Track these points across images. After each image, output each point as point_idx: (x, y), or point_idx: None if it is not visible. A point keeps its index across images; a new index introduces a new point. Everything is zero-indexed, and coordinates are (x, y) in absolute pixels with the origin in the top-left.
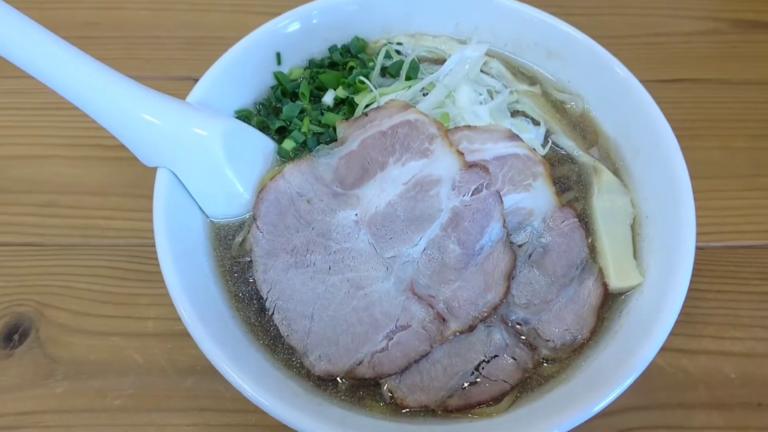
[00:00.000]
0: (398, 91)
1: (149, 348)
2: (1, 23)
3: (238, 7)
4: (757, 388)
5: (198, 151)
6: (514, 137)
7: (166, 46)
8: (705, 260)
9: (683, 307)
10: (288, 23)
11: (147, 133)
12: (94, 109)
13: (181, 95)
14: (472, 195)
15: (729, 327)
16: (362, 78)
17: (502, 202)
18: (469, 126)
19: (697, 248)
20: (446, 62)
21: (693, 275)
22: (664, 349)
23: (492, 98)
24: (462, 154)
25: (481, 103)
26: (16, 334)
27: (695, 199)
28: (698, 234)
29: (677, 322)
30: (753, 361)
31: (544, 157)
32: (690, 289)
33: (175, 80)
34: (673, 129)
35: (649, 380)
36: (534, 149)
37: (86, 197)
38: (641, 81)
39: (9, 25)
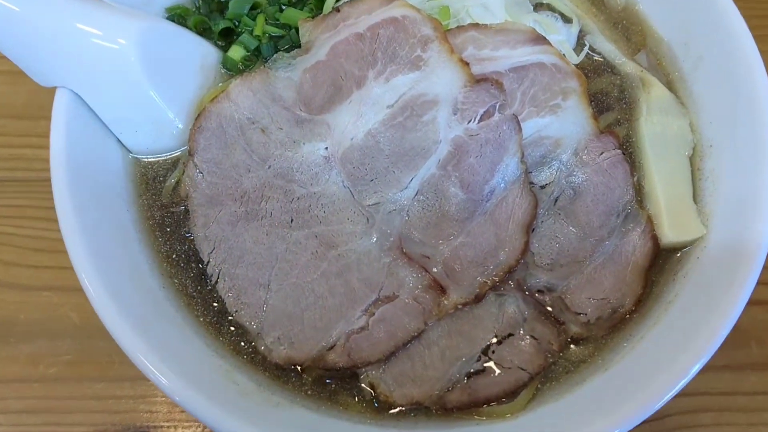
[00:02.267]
0: None
1: (88, 305)
2: None
3: None
4: None
5: (107, 64)
6: (539, 39)
7: None
8: None
9: None
10: None
11: (32, 39)
12: None
13: None
14: (479, 121)
15: None
16: None
17: (520, 129)
18: (476, 25)
19: None
20: None
21: None
22: None
23: None
24: (467, 64)
25: None
26: None
27: None
28: None
29: None
30: None
31: (578, 66)
32: None
33: None
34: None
35: None
36: (564, 56)
37: (11, 122)
38: None
39: None
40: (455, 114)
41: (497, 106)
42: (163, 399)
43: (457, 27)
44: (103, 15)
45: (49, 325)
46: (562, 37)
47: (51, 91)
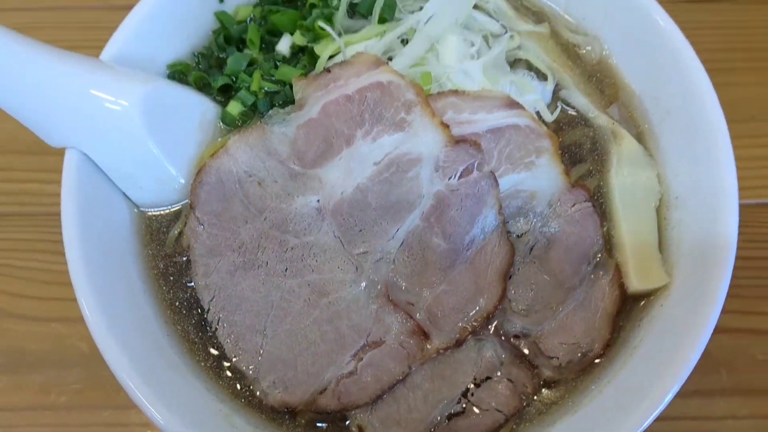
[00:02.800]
0: (369, 39)
1: None
2: None
3: None
4: None
5: (112, 125)
6: (513, 104)
7: None
8: None
9: None
10: None
11: (42, 103)
12: None
13: None
14: (459, 177)
15: (759, 300)
16: (323, 25)
17: (497, 184)
18: (456, 91)
19: None
20: (428, 3)
21: None
22: None
23: (488, 45)
24: (447, 126)
25: (472, 56)
26: None
27: None
28: None
29: None
30: None
31: (554, 122)
32: None
33: (118, 10)
34: (705, 61)
35: None
36: (538, 118)
37: (18, 157)
38: (668, 1)
39: None
40: (437, 171)
41: (476, 164)
42: None
43: (438, 93)
44: (108, 79)
45: (58, 355)
46: (537, 96)
47: None
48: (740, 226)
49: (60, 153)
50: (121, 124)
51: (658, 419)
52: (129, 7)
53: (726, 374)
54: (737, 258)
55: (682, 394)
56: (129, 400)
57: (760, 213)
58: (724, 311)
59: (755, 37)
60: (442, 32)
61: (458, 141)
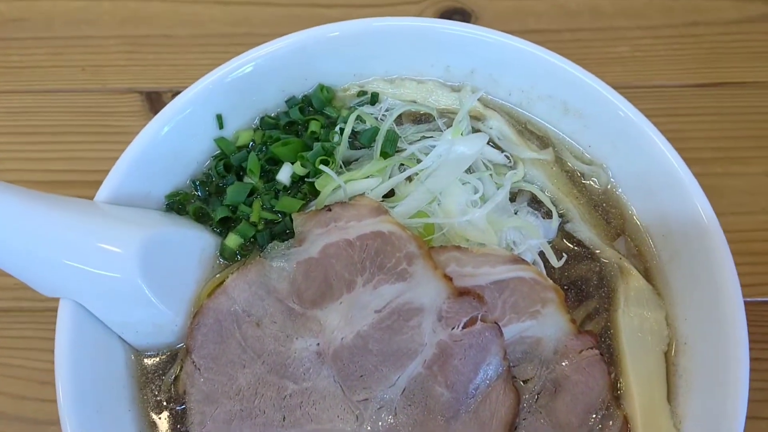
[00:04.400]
0: (370, 177)
1: None
2: None
3: None
4: None
5: (107, 275)
6: (518, 260)
7: (104, 49)
8: None
9: None
10: (228, 73)
11: (35, 258)
12: None
13: (124, 113)
14: (463, 328)
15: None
16: (323, 167)
17: (502, 335)
18: (458, 247)
19: None
20: (429, 155)
21: None
22: None
23: (492, 180)
24: (450, 278)
25: (475, 204)
26: None
27: (731, 240)
28: None
29: None
30: None
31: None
32: None
33: (115, 94)
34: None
35: None
36: (542, 273)
37: None
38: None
39: None
40: (440, 321)
41: (479, 316)
42: None
43: (441, 247)
44: (104, 228)
45: None
46: (542, 239)
47: None
48: (751, 326)
49: None
50: (117, 274)
51: None
52: (130, 91)
53: None
54: None
55: None
56: None
57: None
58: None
59: (763, 123)
60: (444, 186)
61: (461, 293)
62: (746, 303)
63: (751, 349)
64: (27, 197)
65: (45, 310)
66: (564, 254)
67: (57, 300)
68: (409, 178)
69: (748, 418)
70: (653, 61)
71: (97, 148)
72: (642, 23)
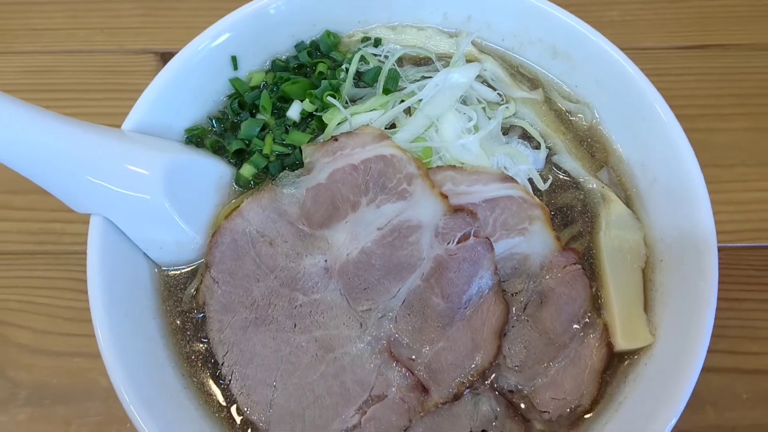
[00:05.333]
0: (373, 110)
1: None
2: None
3: None
4: None
5: (135, 195)
6: (507, 179)
7: (121, 12)
8: (722, 262)
9: None
10: (243, 18)
11: (69, 175)
12: None
13: (140, 72)
14: (457, 243)
15: (744, 340)
16: (331, 99)
17: (492, 249)
18: (454, 167)
19: None
20: (427, 85)
21: None
22: None
23: (485, 114)
24: (446, 197)
25: (470, 131)
26: None
27: (713, 191)
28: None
29: None
30: None
31: (547, 190)
32: None
33: (131, 54)
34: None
35: None
36: (531, 186)
37: (39, 197)
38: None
39: None
40: (436, 237)
41: (472, 231)
42: None
43: (437, 167)
44: (131, 151)
45: (80, 389)
46: (530, 165)
47: None
48: (729, 269)
49: None
50: (143, 193)
51: None
52: (146, 51)
53: (712, 412)
54: (725, 299)
55: None
56: None
57: (749, 255)
58: (710, 351)
59: (744, 83)
60: (441, 112)
61: (456, 210)
62: (726, 248)
63: (730, 290)
64: (67, 123)
65: (68, 252)
66: (550, 177)
67: (78, 244)
68: (409, 111)
69: (727, 353)
70: (642, 25)
71: (115, 104)
72: None
